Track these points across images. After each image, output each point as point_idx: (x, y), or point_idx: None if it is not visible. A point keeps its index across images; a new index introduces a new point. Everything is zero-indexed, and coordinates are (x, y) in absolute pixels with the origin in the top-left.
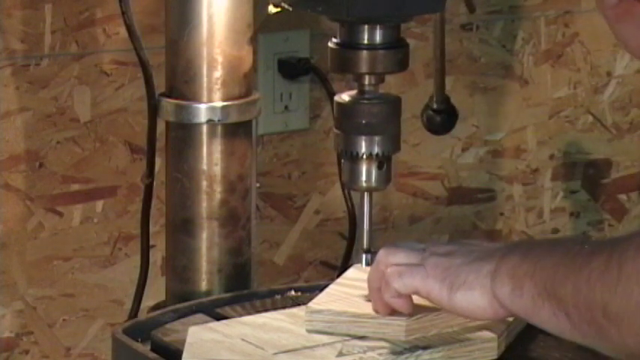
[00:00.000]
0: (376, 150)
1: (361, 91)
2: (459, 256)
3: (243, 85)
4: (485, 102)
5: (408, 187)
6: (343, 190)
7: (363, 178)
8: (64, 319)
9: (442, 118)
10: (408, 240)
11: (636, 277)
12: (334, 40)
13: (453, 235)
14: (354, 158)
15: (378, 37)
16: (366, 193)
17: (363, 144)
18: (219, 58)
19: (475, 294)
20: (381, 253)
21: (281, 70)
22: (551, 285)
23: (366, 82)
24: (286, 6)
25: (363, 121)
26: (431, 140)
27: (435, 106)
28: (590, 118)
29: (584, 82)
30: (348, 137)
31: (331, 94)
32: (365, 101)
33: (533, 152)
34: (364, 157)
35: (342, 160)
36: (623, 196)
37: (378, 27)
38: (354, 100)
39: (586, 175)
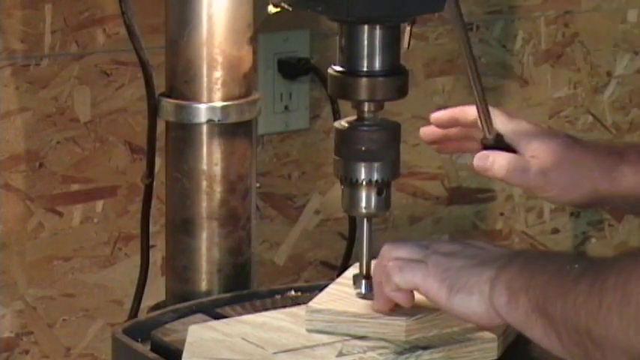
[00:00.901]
0: (375, 176)
1: (360, 118)
2: (461, 257)
3: (243, 85)
4: None
5: (408, 187)
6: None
7: (363, 204)
8: (64, 319)
9: None
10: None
11: (616, 308)
12: (334, 67)
13: (453, 235)
14: (354, 184)
15: (377, 64)
16: (365, 219)
17: (363, 170)
18: (219, 58)
19: (473, 299)
20: (385, 248)
21: (281, 70)
22: (543, 303)
23: (366, 109)
24: (286, 6)
25: (363, 148)
26: None
27: (491, 142)
28: (590, 118)
29: (584, 82)
30: (347, 164)
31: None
32: (364, 128)
33: None
34: (364, 183)
35: (342, 186)
36: None
37: (377, 56)
38: (354, 127)
39: None
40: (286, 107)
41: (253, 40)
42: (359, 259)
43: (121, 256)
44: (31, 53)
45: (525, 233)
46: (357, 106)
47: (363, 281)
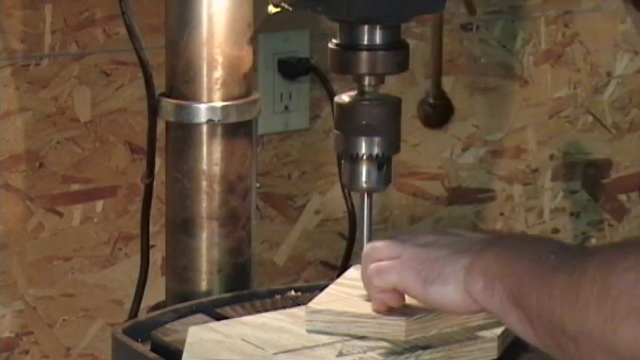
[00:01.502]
0: (376, 151)
1: (361, 92)
2: (437, 247)
3: (243, 85)
4: (485, 102)
5: (408, 187)
6: (343, 190)
7: (363, 179)
8: (64, 319)
9: (438, 112)
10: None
11: (593, 302)
12: (334, 40)
13: None
14: (354, 159)
15: (378, 38)
16: (366, 195)
17: (363, 145)
18: (219, 58)
19: (449, 288)
20: (365, 250)
21: (281, 70)
22: (518, 293)
23: (366, 83)
24: (286, 6)
25: (363, 122)
26: (431, 140)
27: (431, 100)
28: (590, 118)
29: (584, 82)
30: (348, 138)
31: (331, 94)
32: (365, 102)
33: (533, 152)
34: (364, 158)
35: (342, 161)
36: (623, 196)
37: (378, 27)
38: (354, 101)
39: (586, 175)
40: (286, 107)
41: (253, 40)
42: (359, 235)
43: (121, 256)
44: (31, 53)
45: (525, 233)
46: (358, 80)
47: None
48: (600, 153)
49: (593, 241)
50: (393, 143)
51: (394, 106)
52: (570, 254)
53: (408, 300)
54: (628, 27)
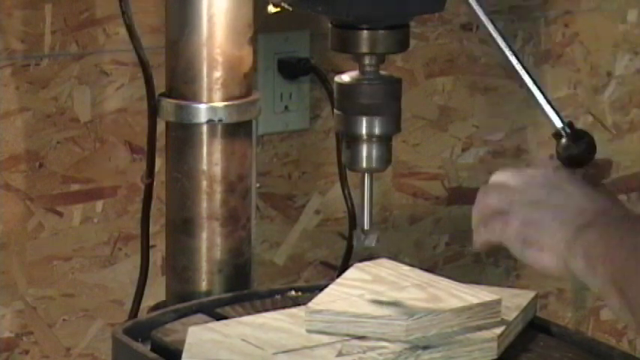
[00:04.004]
0: (377, 131)
1: (362, 72)
2: (542, 208)
3: (243, 85)
4: (485, 102)
5: (408, 187)
6: (343, 190)
7: (364, 159)
8: (64, 319)
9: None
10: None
11: None
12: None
13: (453, 235)
14: (355, 139)
15: None
16: (366, 175)
17: (364, 125)
18: (219, 58)
19: (544, 255)
20: (479, 193)
21: (281, 70)
22: (621, 279)
23: (367, 62)
24: (286, 6)
25: (364, 102)
26: (431, 140)
27: (567, 131)
28: (590, 118)
29: (584, 82)
30: (348, 118)
31: (331, 94)
32: (365, 82)
33: (533, 152)
34: (365, 137)
35: (342, 142)
36: (623, 196)
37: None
38: (355, 81)
39: (586, 175)
40: (286, 107)
41: (253, 40)
42: (359, 213)
43: (121, 256)
44: (31, 53)
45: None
46: (358, 59)
47: (363, 236)
48: (600, 153)
49: None
50: (393, 123)
51: (394, 85)
52: None
53: (409, 300)
54: (628, 27)
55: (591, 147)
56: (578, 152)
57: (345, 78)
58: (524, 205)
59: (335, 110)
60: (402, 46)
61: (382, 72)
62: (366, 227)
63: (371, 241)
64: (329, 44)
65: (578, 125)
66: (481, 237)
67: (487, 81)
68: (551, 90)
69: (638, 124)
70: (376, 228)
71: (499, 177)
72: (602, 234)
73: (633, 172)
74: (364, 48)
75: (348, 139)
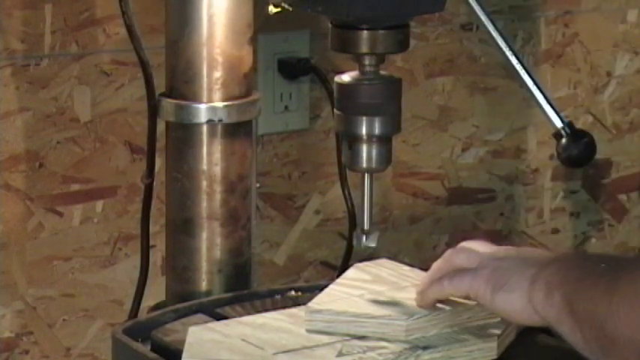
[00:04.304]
0: (377, 131)
1: (362, 72)
2: (510, 259)
3: (243, 85)
4: (485, 102)
5: (408, 187)
6: (343, 190)
7: (364, 159)
8: (64, 319)
9: (580, 147)
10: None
11: (625, 302)
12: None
13: (453, 235)
14: (355, 139)
15: None
16: (366, 175)
17: (364, 125)
18: (219, 58)
19: (513, 296)
20: (447, 252)
21: (281, 70)
22: (572, 299)
23: (367, 62)
24: (286, 6)
25: (364, 102)
26: (431, 140)
27: (567, 131)
28: (590, 118)
29: (584, 82)
30: (348, 118)
31: (331, 94)
32: (365, 82)
33: (533, 152)
34: (365, 137)
35: (342, 142)
36: (623, 196)
37: None
38: (355, 81)
39: (586, 175)
40: (286, 107)
41: (253, 40)
42: (359, 214)
43: (121, 256)
44: (31, 53)
45: (525, 233)
46: (358, 59)
47: (363, 236)
48: (600, 153)
49: (593, 241)
50: (393, 123)
51: (394, 85)
52: (619, 262)
53: (409, 300)
54: (628, 27)
55: (591, 147)
56: (578, 152)
57: (345, 78)
58: (493, 259)
59: (335, 110)
60: (402, 46)
61: (382, 72)
62: (366, 227)
63: (371, 242)
64: (329, 44)
65: (578, 125)
66: (438, 292)
67: (487, 81)
68: (551, 90)
69: (638, 124)
70: (376, 228)
71: (467, 244)
72: (561, 266)
73: (633, 172)
74: (364, 48)
75: (348, 139)
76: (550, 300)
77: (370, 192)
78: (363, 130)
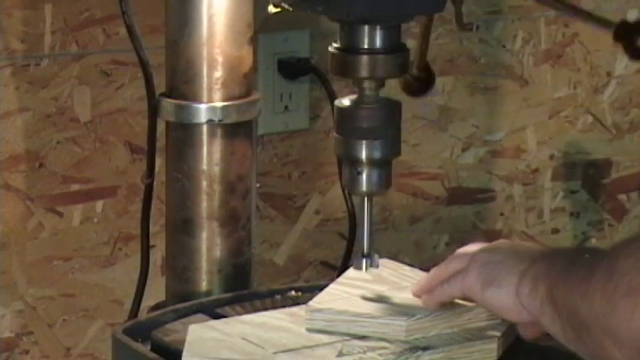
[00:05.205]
0: (376, 154)
1: (361, 96)
2: (501, 252)
3: (243, 85)
4: (485, 102)
5: (408, 187)
6: (343, 190)
7: (364, 182)
8: (64, 319)
9: (420, 83)
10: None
11: (600, 285)
12: (334, 44)
13: (453, 235)
14: (355, 163)
15: (378, 41)
16: (366, 198)
17: (364, 149)
18: (219, 58)
19: (502, 291)
20: (446, 260)
21: (281, 70)
22: (554, 288)
23: (366, 86)
24: (286, 6)
25: (364, 126)
26: (431, 140)
27: (414, 72)
28: (590, 118)
29: (584, 82)
30: (348, 142)
31: (331, 94)
32: (365, 106)
33: (533, 152)
34: (364, 161)
35: (343, 165)
36: (623, 196)
37: (378, 29)
38: (354, 105)
39: (586, 175)
40: (286, 107)
41: (253, 40)
42: (359, 238)
43: (121, 256)
44: (31, 53)
45: (525, 233)
46: (358, 83)
47: (363, 260)
48: (600, 153)
49: (593, 241)
50: (393, 146)
51: (394, 109)
52: (601, 252)
53: (409, 300)
54: None
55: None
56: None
57: (345, 102)
58: (483, 253)
59: (334, 134)
60: (402, 70)
61: (381, 96)
62: (365, 251)
63: (374, 265)
64: (329, 69)
65: (579, 125)
66: (439, 296)
67: (487, 81)
68: (551, 90)
69: (638, 124)
70: (375, 251)
71: (463, 249)
72: (549, 260)
73: (633, 172)
74: (364, 72)
75: (349, 163)
76: (534, 293)
77: (370, 216)
78: (363, 154)
